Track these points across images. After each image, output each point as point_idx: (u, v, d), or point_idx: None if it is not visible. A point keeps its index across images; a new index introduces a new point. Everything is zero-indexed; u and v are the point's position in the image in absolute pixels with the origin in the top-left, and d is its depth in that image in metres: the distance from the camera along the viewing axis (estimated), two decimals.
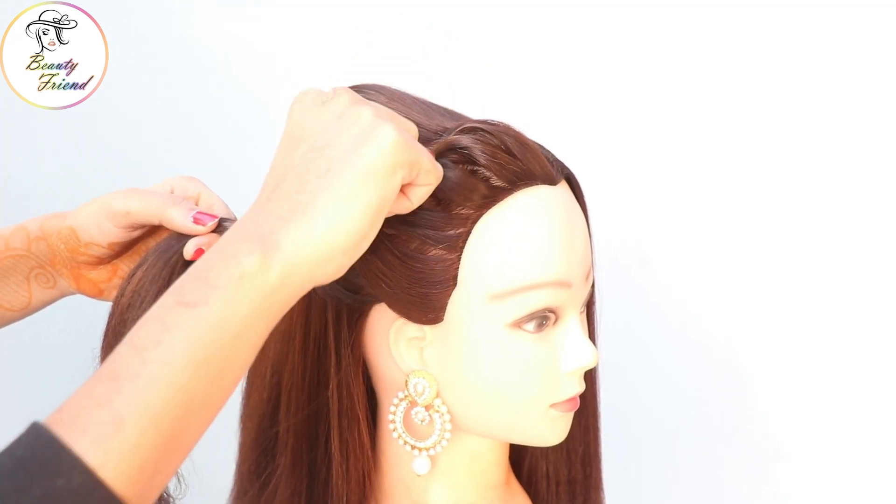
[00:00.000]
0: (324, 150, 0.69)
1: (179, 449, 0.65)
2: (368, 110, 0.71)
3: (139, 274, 0.85)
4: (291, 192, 0.68)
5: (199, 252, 0.83)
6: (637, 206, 1.49)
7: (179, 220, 0.84)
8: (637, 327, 1.49)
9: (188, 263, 0.84)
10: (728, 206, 1.47)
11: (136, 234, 0.90)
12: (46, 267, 0.92)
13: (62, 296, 0.96)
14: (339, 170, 0.68)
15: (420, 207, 0.82)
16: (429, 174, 0.75)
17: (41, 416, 0.70)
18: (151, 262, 0.86)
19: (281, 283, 0.67)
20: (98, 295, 0.94)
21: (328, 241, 0.68)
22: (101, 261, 0.92)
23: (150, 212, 0.85)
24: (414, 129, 0.79)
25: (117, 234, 0.89)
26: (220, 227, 0.86)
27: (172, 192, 0.89)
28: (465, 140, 0.82)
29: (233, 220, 0.87)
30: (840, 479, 1.48)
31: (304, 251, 0.67)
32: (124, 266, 0.93)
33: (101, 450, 0.60)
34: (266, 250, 0.66)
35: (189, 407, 0.64)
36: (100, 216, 0.87)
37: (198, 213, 0.84)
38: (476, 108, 0.95)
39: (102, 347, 0.86)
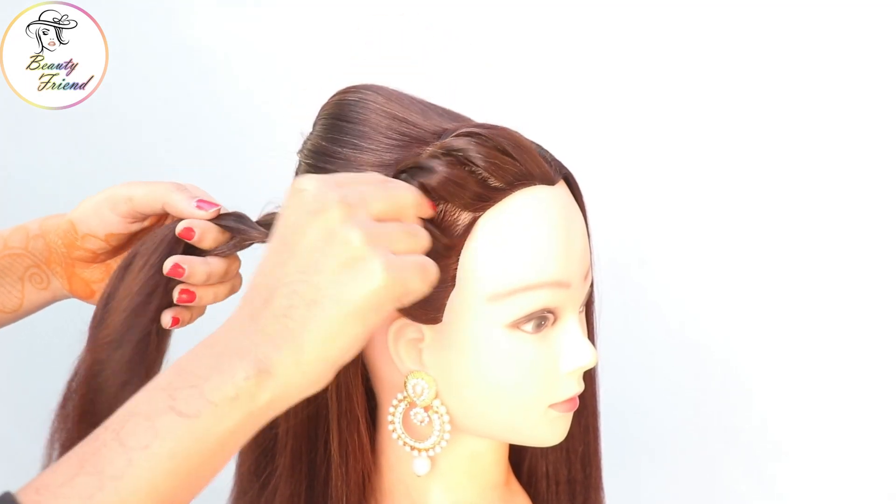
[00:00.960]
0: (312, 275, 0.70)
1: None
2: (358, 235, 0.70)
3: (130, 262, 0.86)
4: (280, 315, 0.69)
5: (189, 231, 0.84)
6: (636, 206, 1.49)
7: (182, 203, 0.85)
8: (636, 327, 1.49)
9: (180, 244, 0.85)
10: (726, 205, 1.47)
11: (134, 226, 0.91)
12: (42, 266, 0.92)
13: (54, 299, 0.96)
14: (325, 304, 0.69)
15: None
16: (419, 293, 0.74)
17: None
18: (141, 251, 0.86)
19: (270, 405, 0.69)
20: (89, 297, 0.94)
21: (317, 371, 0.70)
22: (97, 257, 0.92)
23: (154, 196, 0.86)
24: (417, 237, 0.76)
25: (117, 224, 0.89)
26: (219, 217, 0.87)
27: (164, 209, 0.90)
28: (461, 143, 0.82)
29: (239, 217, 0.87)
30: (839, 479, 1.48)
31: (294, 379, 0.69)
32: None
33: None
34: (261, 375, 0.68)
35: None
36: (102, 205, 0.88)
37: (200, 199, 0.86)
38: (475, 109, 0.95)
39: (91, 328, 0.86)
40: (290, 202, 0.73)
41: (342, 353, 0.70)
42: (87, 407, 0.82)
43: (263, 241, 0.86)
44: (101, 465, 0.65)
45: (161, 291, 0.84)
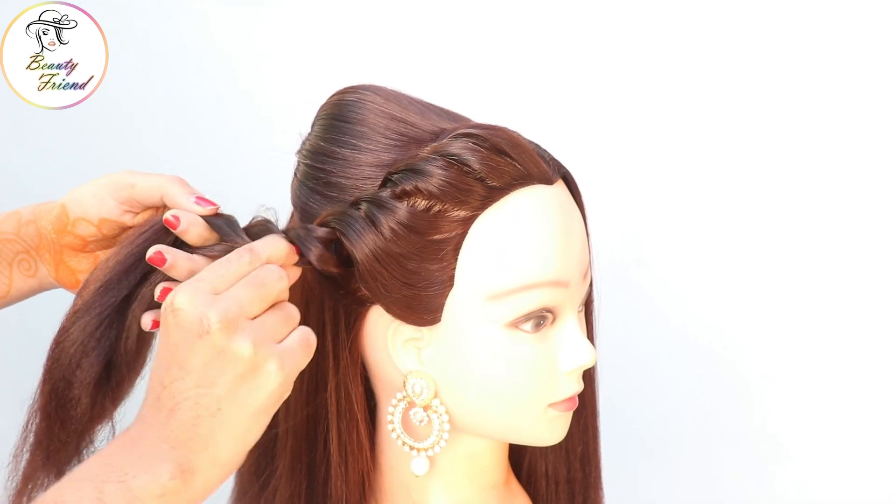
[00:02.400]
0: (210, 388, 0.73)
1: None
2: (247, 347, 0.74)
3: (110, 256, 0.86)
4: (189, 425, 0.73)
5: (175, 219, 0.83)
6: (635, 205, 1.49)
7: (181, 196, 0.85)
8: (636, 327, 1.49)
9: (168, 235, 0.84)
10: (726, 204, 1.47)
11: (128, 217, 0.90)
12: (31, 252, 0.92)
13: (41, 288, 0.95)
14: (229, 411, 0.74)
15: (415, 211, 0.82)
16: (305, 364, 0.79)
17: None
18: (127, 236, 0.86)
19: (193, 497, 0.74)
20: (74, 286, 0.93)
21: (233, 462, 0.76)
22: (86, 245, 0.92)
23: (155, 186, 0.87)
24: (291, 316, 0.79)
25: (113, 210, 0.89)
26: (215, 217, 0.85)
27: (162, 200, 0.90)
28: (457, 146, 0.82)
29: (224, 216, 0.86)
30: (839, 479, 1.48)
31: (214, 474, 0.75)
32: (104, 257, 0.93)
33: None
34: (185, 474, 0.73)
35: None
36: (102, 188, 0.88)
37: (199, 196, 0.86)
38: (475, 108, 0.95)
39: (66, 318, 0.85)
40: (170, 322, 0.75)
41: (253, 442, 0.76)
42: (45, 376, 0.83)
43: None
44: None
45: (137, 274, 0.83)
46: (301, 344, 0.77)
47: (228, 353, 0.74)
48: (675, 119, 1.47)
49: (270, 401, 0.76)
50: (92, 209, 0.90)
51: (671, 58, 1.46)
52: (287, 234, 0.84)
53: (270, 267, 0.79)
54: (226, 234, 0.84)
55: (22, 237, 0.93)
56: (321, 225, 0.84)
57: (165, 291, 0.81)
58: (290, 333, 0.78)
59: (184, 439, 0.73)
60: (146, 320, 0.83)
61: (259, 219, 0.86)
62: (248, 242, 0.83)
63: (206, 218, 0.85)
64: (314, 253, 0.83)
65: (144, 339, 0.84)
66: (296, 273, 0.83)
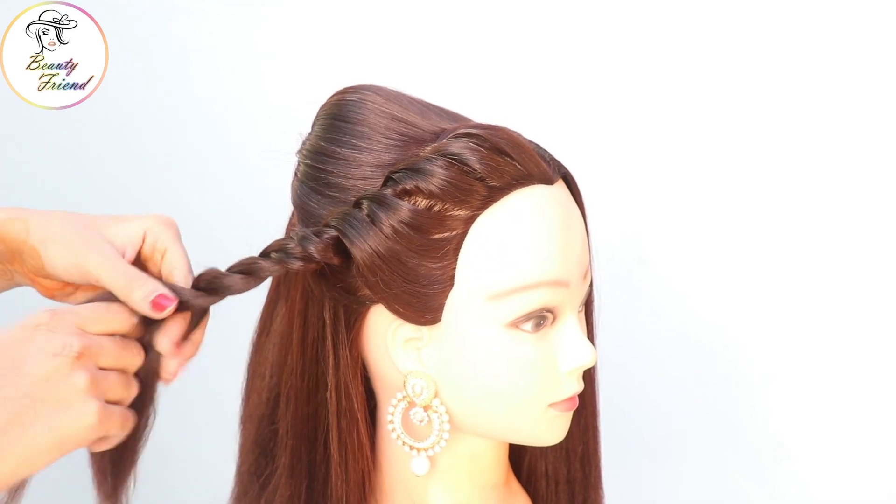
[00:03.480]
0: (35, 401, 0.76)
1: None
2: (84, 380, 0.77)
3: None
4: (2, 426, 0.75)
5: (177, 346, 0.84)
6: (636, 205, 1.49)
7: (139, 304, 0.83)
8: (637, 326, 1.49)
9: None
10: (727, 204, 1.47)
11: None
12: (5, 265, 0.90)
13: (17, 286, 0.95)
14: (38, 429, 0.76)
15: (417, 209, 0.82)
16: (116, 437, 0.81)
17: None
18: None
19: None
20: (50, 298, 0.92)
21: (3, 480, 0.76)
22: (64, 287, 0.91)
23: (115, 288, 0.85)
24: (129, 389, 0.81)
25: (79, 281, 0.87)
26: (180, 307, 0.83)
27: (144, 240, 0.88)
28: (457, 146, 0.83)
29: (191, 295, 0.84)
30: (842, 479, 1.48)
31: None
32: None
33: None
34: None
35: None
36: (70, 268, 0.86)
37: (157, 297, 0.83)
38: (475, 108, 0.95)
39: None
40: (29, 336, 0.77)
41: (29, 472, 0.77)
42: None
43: (241, 291, 0.84)
44: None
45: None
46: (121, 417, 0.80)
47: (68, 379, 0.77)
48: (676, 118, 1.47)
49: (74, 438, 0.77)
50: (63, 275, 0.87)
51: (672, 57, 1.46)
52: (288, 231, 0.84)
53: (136, 345, 0.82)
54: (200, 307, 0.84)
55: None
56: (324, 226, 0.85)
57: (160, 298, 0.82)
58: (119, 403, 0.80)
59: None
60: (168, 371, 0.85)
61: (248, 261, 0.85)
62: (239, 279, 0.84)
63: (179, 310, 0.84)
64: (315, 246, 0.83)
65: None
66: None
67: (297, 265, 0.83)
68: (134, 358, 0.81)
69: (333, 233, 0.84)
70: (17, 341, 0.77)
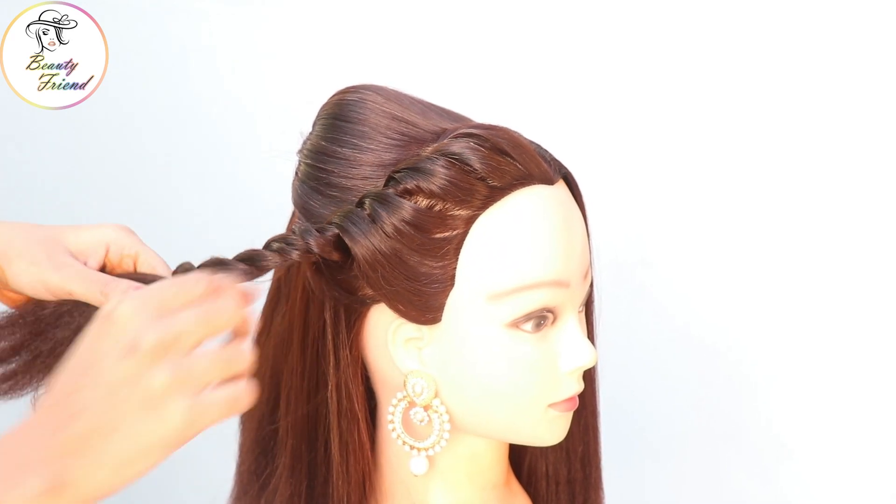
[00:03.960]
0: (114, 407, 0.70)
1: None
2: (162, 382, 0.70)
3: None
4: (82, 436, 0.70)
5: None
6: (640, 206, 1.49)
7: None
8: (640, 327, 1.49)
9: None
10: (730, 205, 1.47)
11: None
12: None
13: None
14: (124, 435, 0.71)
15: (418, 208, 0.82)
16: (222, 421, 0.74)
17: None
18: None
19: None
20: (13, 307, 0.90)
21: (112, 486, 0.72)
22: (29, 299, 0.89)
23: (90, 298, 0.84)
24: (231, 363, 0.74)
25: (47, 297, 0.86)
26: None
27: (108, 250, 0.87)
28: (458, 145, 0.83)
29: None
30: (845, 480, 1.48)
31: (89, 491, 0.71)
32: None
33: None
34: (55, 490, 0.70)
35: None
36: (35, 283, 0.84)
37: (132, 292, 0.80)
38: (476, 109, 0.95)
39: None
40: (104, 330, 0.72)
41: (137, 475, 0.72)
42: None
43: (245, 279, 0.83)
44: None
45: None
46: (224, 402, 0.73)
47: (142, 382, 0.70)
48: (680, 120, 1.47)
49: (165, 441, 0.72)
50: (29, 290, 0.86)
51: (675, 58, 1.46)
52: (289, 231, 0.85)
53: (226, 302, 0.74)
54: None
55: None
56: (327, 224, 0.85)
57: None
58: (225, 381, 0.73)
59: (71, 450, 0.71)
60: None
61: (250, 252, 0.85)
62: (243, 269, 0.83)
63: None
64: (315, 240, 0.83)
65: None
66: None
67: (295, 255, 0.83)
68: (223, 322, 0.73)
69: (335, 230, 0.84)
70: (92, 338, 0.72)
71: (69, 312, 0.85)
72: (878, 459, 1.47)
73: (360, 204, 0.84)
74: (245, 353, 0.74)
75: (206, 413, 0.72)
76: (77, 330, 0.83)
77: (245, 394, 0.73)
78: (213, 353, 0.72)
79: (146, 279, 0.83)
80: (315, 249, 0.84)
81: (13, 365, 0.84)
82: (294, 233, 0.85)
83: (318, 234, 0.84)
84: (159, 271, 0.86)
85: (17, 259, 0.84)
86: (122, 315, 0.71)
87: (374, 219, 0.83)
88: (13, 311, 0.85)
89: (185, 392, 0.71)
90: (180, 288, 0.72)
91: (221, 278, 0.74)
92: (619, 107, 1.48)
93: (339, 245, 0.84)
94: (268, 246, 0.85)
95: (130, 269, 0.87)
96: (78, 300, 0.84)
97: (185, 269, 0.85)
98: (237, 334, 0.74)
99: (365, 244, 0.83)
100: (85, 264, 0.85)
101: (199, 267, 0.84)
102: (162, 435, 0.71)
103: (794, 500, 1.50)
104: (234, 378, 0.73)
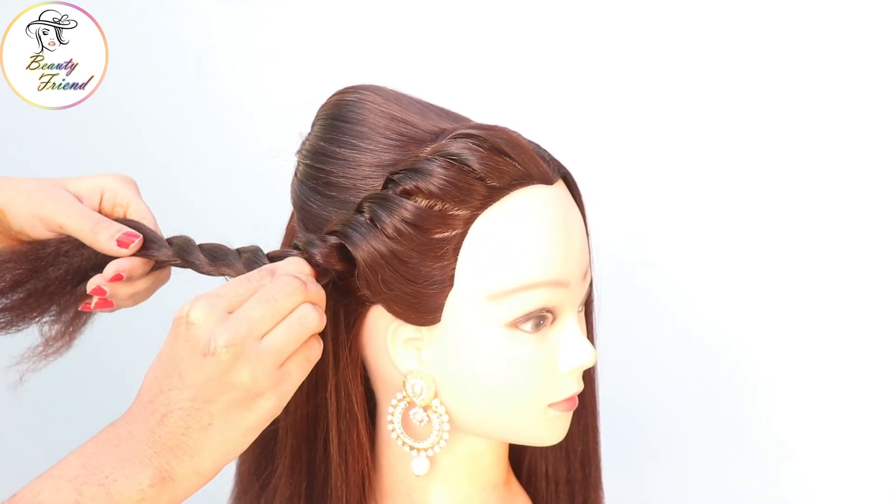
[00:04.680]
0: (206, 404, 0.75)
1: None
2: (247, 377, 0.75)
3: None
4: (178, 433, 0.75)
5: (118, 277, 0.84)
6: (641, 206, 1.49)
7: (105, 244, 0.85)
8: (641, 327, 1.49)
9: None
10: (731, 205, 1.47)
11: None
12: None
13: None
14: (220, 427, 0.76)
15: (418, 207, 0.82)
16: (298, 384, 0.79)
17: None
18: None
19: (169, 501, 0.76)
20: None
21: (214, 473, 0.78)
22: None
23: (80, 233, 0.86)
24: (303, 328, 0.78)
25: (47, 235, 0.88)
26: (143, 247, 0.85)
27: (102, 197, 0.90)
28: (457, 146, 0.83)
29: (158, 239, 0.86)
30: (845, 480, 1.48)
31: (193, 483, 0.77)
32: None
33: None
34: (164, 482, 0.75)
35: None
36: (34, 218, 0.87)
37: (123, 234, 0.85)
38: (475, 109, 0.95)
39: None
40: (181, 333, 0.75)
41: (236, 456, 0.78)
42: None
43: (206, 272, 0.85)
44: None
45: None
46: (301, 365, 0.78)
47: (229, 378, 0.75)
48: (681, 120, 1.47)
49: (261, 421, 0.77)
50: (29, 230, 0.88)
51: (676, 58, 1.46)
52: (293, 243, 0.85)
53: (283, 279, 0.78)
54: (162, 258, 0.85)
55: None
56: (328, 233, 0.85)
57: (97, 292, 0.84)
58: (298, 349, 0.78)
59: (171, 446, 0.75)
60: (104, 273, 0.84)
61: (250, 246, 0.86)
62: (205, 263, 0.84)
63: (142, 253, 0.85)
64: (319, 251, 0.83)
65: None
66: (318, 290, 0.81)
67: (318, 250, 0.84)
68: (287, 299, 0.77)
69: (336, 239, 0.84)
70: (170, 342, 0.76)
71: (67, 253, 0.86)
72: (878, 459, 1.47)
73: (360, 209, 0.84)
74: (311, 312, 0.78)
75: (289, 383, 0.77)
76: (71, 271, 0.86)
77: (317, 348, 0.79)
78: (285, 327, 0.76)
79: (138, 227, 0.86)
80: (320, 261, 0.84)
81: (7, 301, 0.85)
82: (297, 247, 0.85)
83: (321, 243, 0.84)
84: (146, 223, 0.88)
85: (17, 198, 0.87)
86: (194, 319, 0.75)
87: (374, 222, 0.83)
88: (15, 248, 0.87)
89: (269, 377, 0.76)
90: (246, 285, 0.77)
91: (281, 267, 0.79)
92: (620, 107, 1.48)
93: (342, 253, 0.84)
94: (271, 260, 0.85)
95: (121, 217, 0.89)
96: (76, 240, 0.86)
97: (183, 241, 0.86)
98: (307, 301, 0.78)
99: (366, 248, 0.83)
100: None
101: (171, 237, 0.86)
102: (257, 420, 0.77)
103: (795, 500, 1.50)
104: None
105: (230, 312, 0.76)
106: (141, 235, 0.85)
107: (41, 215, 0.87)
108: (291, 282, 0.78)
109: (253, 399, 0.76)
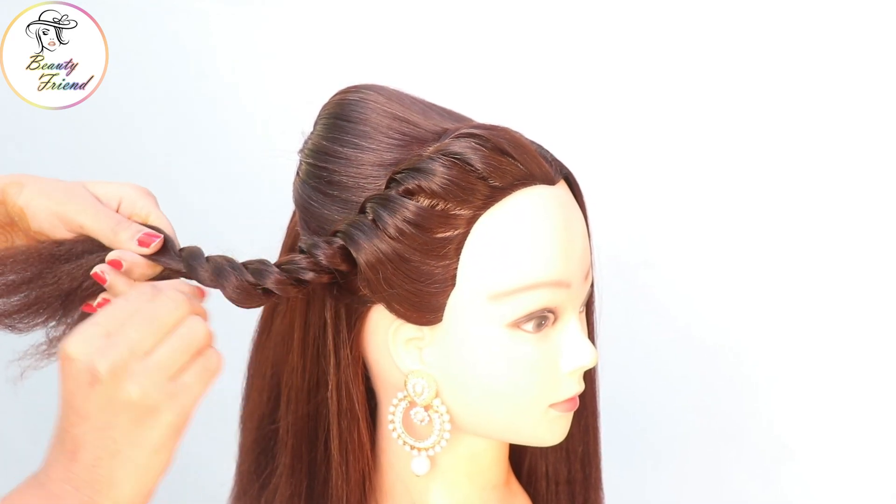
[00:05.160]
0: (107, 431, 0.75)
1: None
2: (136, 392, 0.75)
3: None
4: (89, 466, 0.75)
5: (117, 264, 0.84)
6: (642, 207, 1.49)
7: (126, 244, 0.85)
8: (642, 328, 1.49)
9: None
10: (732, 206, 1.47)
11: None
12: (6, 227, 0.92)
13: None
14: (126, 452, 0.75)
15: (420, 207, 0.82)
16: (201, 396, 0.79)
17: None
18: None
19: None
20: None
21: (139, 498, 0.77)
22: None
23: (101, 234, 0.86)
24: (191, 342, 0.78)
25: (67, 235, 0.89)
26: (164, 248, 0.85)
27: (120, 205, 0.90)
28: (460, 145, 0.83)
29: (173, 248, 0.86)
30: (846, 480, 1.48)
31: None
32: None
33: None
34: None
35: None
36: (54, 217, 0.87)
37: (143, 234, 0.85)
38: (476, 109, 0.95)
39: None
40: (64, 371, 0.76)
41: (158, 476, 0.77)
42: None
43: (209, 285, 0.85)
44: None
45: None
46: (199, 376, 0.77)
47: (119, 400, 0.75)
48: (683, 120, 1.47)
49: (167, 436, 0.76)
50: (48, 230, 0.88)
51: (678, 58, 1.46)
52: (297, 246, 0.85)
53: (166, 294, 0.78)
54: (174, 269, 0.85)
55: None
56: (332, 234, 0.85)
57: (97, 276, 0.83)
58: (191, 361, 0.77)
59: (87, 480, 0.75)
60: (97, 268, 0.84)
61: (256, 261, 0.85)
62: (207, 278, 0.84)
63: (162, 254, 0.85)
64: (323, 253, 0.83)
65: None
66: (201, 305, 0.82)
67: (309, 276, 0.83)
68: (170, 315, 0.77)
69: (340, 241, 0.84)
70: (62, 381, 0.76)
71: (80, 254, 0.86)
72: (879, 460, 1.47)
73: (363, 210, 0.84)
74: (198, 323, 0.78)
75: (187, 394, 0.76)
76: (82, 272, 0.86)
77: (215, 359, 0.78)
78: (170, 341, 0.76)
79: (158, 230, 0.86)
80: (325, 263, 0.83)
81: (18, 300, 0.85)
82: (301, 250, 0.85)
83: (325, 245, 0.84)
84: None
85: (38, 198, 0.88)
86: (72, 354, 0.75)
87: (376, 222, 0.83)
88: (31, 245, 0.87)
89: (160, 390, 0.75)
90: (124, 306, 0.77)
91: (165, 285, 0.79)
92: (621, 108, 1.48)
93: (346, 254, 0.84)
94: (278, 266, 0.84)
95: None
96: (92, 242, 0.86)
97: (191, 251, 0.85)
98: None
99: (368, 249, 0.83)
100: None
101: (182, 248, 0.86)
102: (159, 435, 0.76)
103: (795, 500, 1.50)
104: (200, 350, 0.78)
105: (109, 337, 0.75)
106: (162, 236, 0.85)
107: (61, 214, 0.87)
108: (175, 296, 0.78)
109: (149, 415, 0.75)
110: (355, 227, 0.84)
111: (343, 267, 0.84)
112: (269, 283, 0.83)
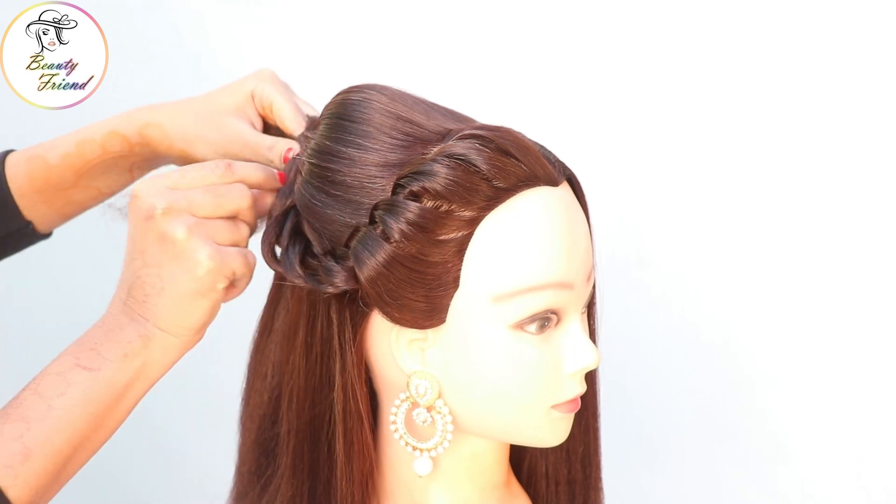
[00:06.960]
0: (154, 268, 0.84)
1: (69, 473, 0.84)
2: (181, 231, 0.83)
3: None
4: (140, 301, 0.85)
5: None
6: (637, 204, 1.49)
7: (268, 183, 0.92)
8: (640, 327, 1.49)
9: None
10: (727, 203, 1.47)
11: None
12: (151, 161, 1.06)
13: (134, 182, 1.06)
14: (168, 290, 0.84)
15: (424, 208, 0.82)
16: (244, 276, 0.87)
17: None
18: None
19: (154, 362, 0.86)
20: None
21: (184, 334, 0.86)
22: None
23: (256, 155, 0.97)
24: (238, 230, 0.87)
25: (205, 156, 0.99)
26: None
27: (253, 97, 1.01)
28: (463, 147, 0.83)
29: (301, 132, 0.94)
30: (842, 480, 1.48)
31: (168, 342, 0.86)
32: None
33: (10, 474, 0.80)
34: (143, 339, 0.85)
35: (80, 444, 0.84)
36: (216, 157, 0.97)
37: (287, 150, 0.95)
38: (478, 109, 0.95)
39: None
40: (130, 207, 0.86)
41: (200, 320, 0.86)
42: None
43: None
44: (25, 413, 0.81)
45: None
46: (239, 253, 0.86)
47: (166, 237, 0.83)
48: (677, 117, 1.47)
49: (201, 284, 0.84)
50: (187, 147, 1.01)
51: (672, 56, 1.46)
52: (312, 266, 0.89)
53: (238, 186, 0.87)
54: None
55: (138, 154, 1.05)
56: (345, 245, 0.85)
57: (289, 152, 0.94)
58: (231, 244, 0.86)
59: (140, 313, 0.85)
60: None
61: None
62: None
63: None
64: (340, 277, 0.85)
65: None
66: (269, 199, 0.90)
67: (330, 290, 0.86)
68: (233, 201, 0.86)
69: (351, 263, 0.85)
70: (128, 219, 0.85)
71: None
72: (876, 460, 1.47)
73: (372, 219, 0.84)
74: (241, 191, 0.87)
75: (226, 257, 0.84)
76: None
77: (251, 254, 0.86)
78: (222, 220, 0.85)
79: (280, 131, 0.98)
80: (343, 286, 0.85)
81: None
82: (317, 272, 0.86)
83: (340, 270, 0.85)
84: (287, 124, 0.99)
85: (199, 144, 1.01)
86: (137, 192, 0.85)
87: (384, 234, 0.83)
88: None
89: (204, 239, 0.83)
90: (196, 171, 0.87)
91: (239, 165, 0.88)
92: (616, 106, 1.48)
93: (356, 274, 0.85)
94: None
95: (271, 117, 1.01)
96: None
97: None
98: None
99: (370, 264, 0.84)
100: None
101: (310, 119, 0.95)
102: (194, 279, 0.83)
103: (792, 500, 1.50)
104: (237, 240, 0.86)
105: (175, 190, 0.85)
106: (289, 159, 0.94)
107: (226, 157, 0.95)
108: (243, 192, 0.87)
109: (186, 256, 0.82)
110: (362, 243, 0.84)
111: (357, 285, 0.85)
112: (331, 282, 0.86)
